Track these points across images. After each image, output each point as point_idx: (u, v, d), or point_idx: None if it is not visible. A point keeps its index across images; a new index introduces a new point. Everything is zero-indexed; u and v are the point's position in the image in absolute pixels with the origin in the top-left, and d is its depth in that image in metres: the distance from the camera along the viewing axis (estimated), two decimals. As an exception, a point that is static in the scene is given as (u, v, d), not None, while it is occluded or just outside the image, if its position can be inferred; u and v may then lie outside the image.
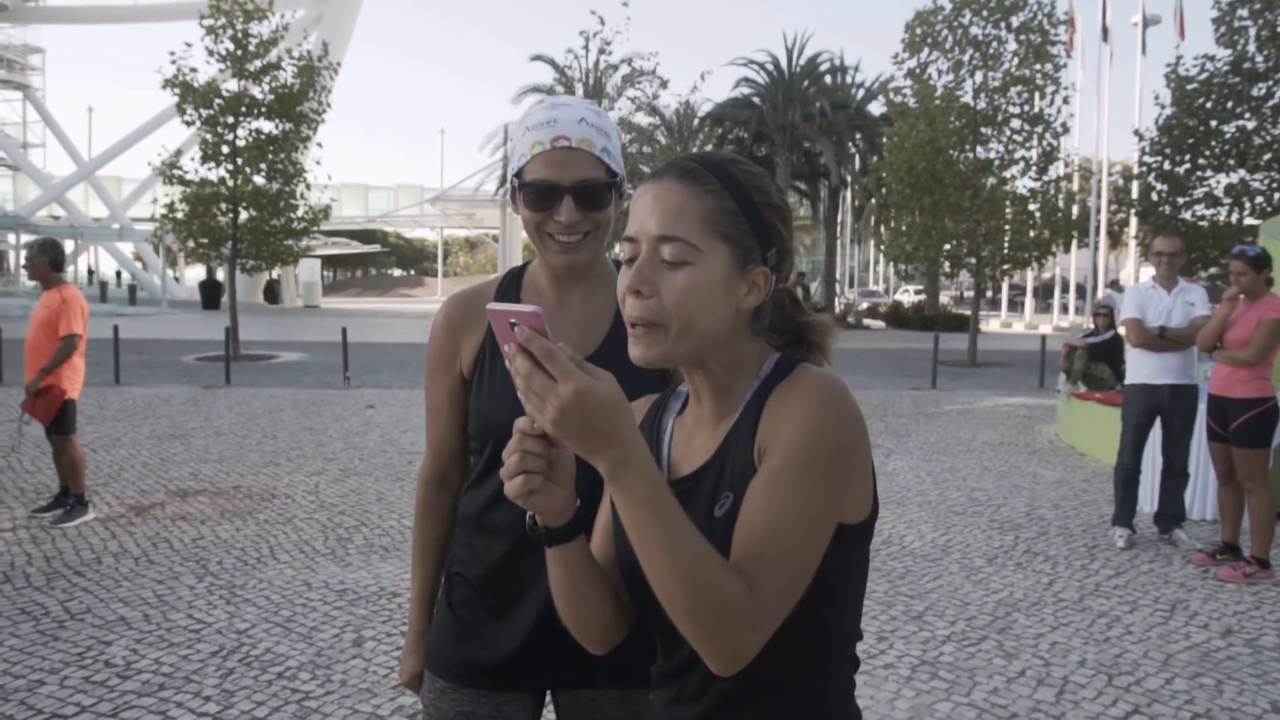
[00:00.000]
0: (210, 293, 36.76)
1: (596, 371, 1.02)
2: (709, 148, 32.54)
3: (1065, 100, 18.98)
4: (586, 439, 1.00)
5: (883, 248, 22.26)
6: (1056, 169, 19.58)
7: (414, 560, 1.87)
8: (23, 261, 6.30)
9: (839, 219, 39.20)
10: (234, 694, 3.78)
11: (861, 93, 34.50)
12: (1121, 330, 6.83)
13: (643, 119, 29.95)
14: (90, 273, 57.56)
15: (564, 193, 1.56)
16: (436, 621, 1.79)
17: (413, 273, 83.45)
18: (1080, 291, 38.01)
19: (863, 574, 1.23)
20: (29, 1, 50.09)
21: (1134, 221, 22.55)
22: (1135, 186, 20.02)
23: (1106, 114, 32.83)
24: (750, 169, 1.20)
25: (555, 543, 1.14)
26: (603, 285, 1.72)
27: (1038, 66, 18.52)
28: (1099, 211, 31.32)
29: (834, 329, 1.30)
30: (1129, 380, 6.08)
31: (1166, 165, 17.74)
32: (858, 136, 34.13)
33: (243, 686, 3.85)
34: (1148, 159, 18.11)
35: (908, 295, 44.24)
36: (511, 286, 1.75)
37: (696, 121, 34.52)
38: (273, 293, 42.86)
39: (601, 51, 28.04)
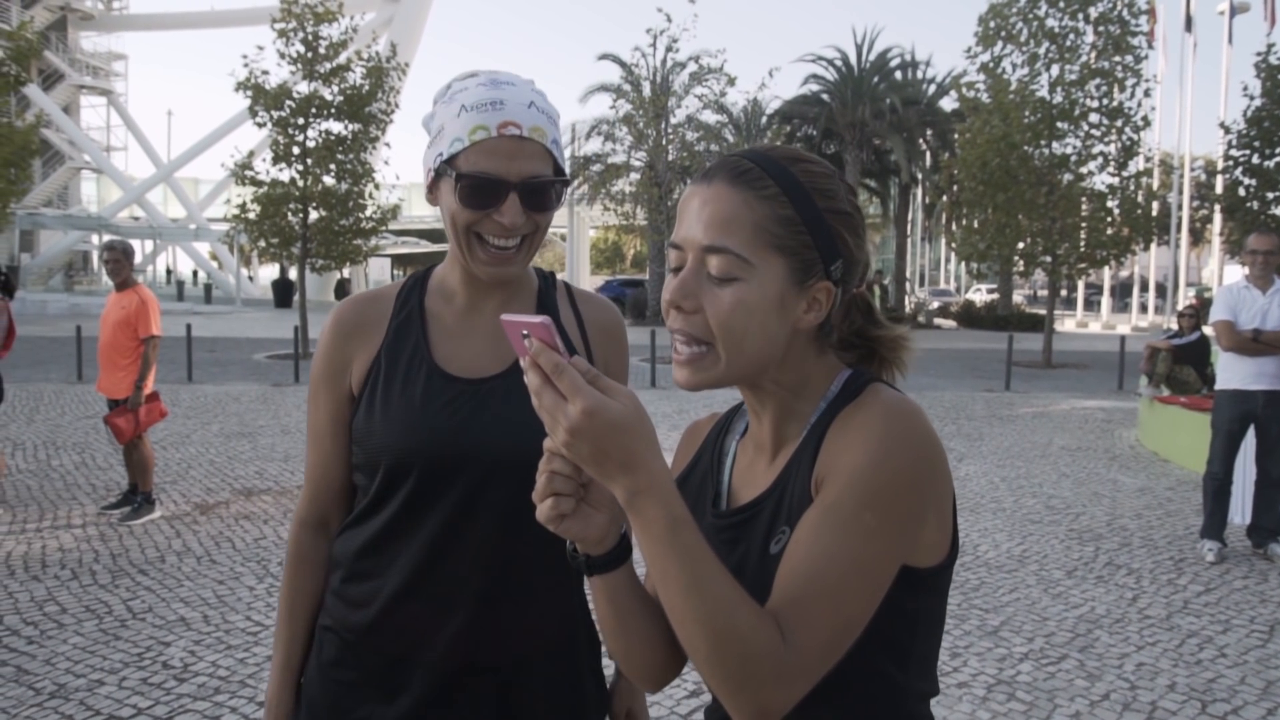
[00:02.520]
0: (283, 291, 37.51)
1: (613, 388, 0.90)
2: (777, 144, 32.24)
3: (1146, 93, 18.37)
4: (599, 463, 0.89)
5: (954, 246, 21.75)
6: (1136, 164, 18.93)
7: (279, 620, 1.54)
8: (104, 260, 6.40)
9: (909, 217, 38.64)
10: (288, 700, 3.73)
11: (933, 88, 34.00)
12: (1210, 332, 6.51)
13: (710, 117, 29.80)
14: (168, 272, 59.17)
15: (510, 189, 1.33)
16: (306, 689, 1.50)
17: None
18: (1160, 291, 36.85)
19: (937, 625, 1.09)
20: (113, 10, 51.77)
21: (1218, 218, 21.76)
22: (1220, 181, 19.29)
23: (1189, 107, 31.75)
24: (814, 169, 1.05)
25: (596, 572, 1.02)
26: (522, 290, 1.52)
27: (1117, 59, 17.94)
28: (1180, 208, 30.30)
29: (910, 342, 1.15)
30: (1220, 385, 5.77)
31: (1255, 159, 17.07)
32: (929, 133, 33.63)
33: (297, 692, 3.79)
34: (1234, 152, 17.45)
35: (980, 294, 43.36)
36: (415, 290, 1.51)
37: (764, 119, 34.27)
38: (343, 291, 43.55)
39: (669, 49, 27.98)
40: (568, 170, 1.43)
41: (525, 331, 0.91)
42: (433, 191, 1.42)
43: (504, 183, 1.33)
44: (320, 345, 1.50)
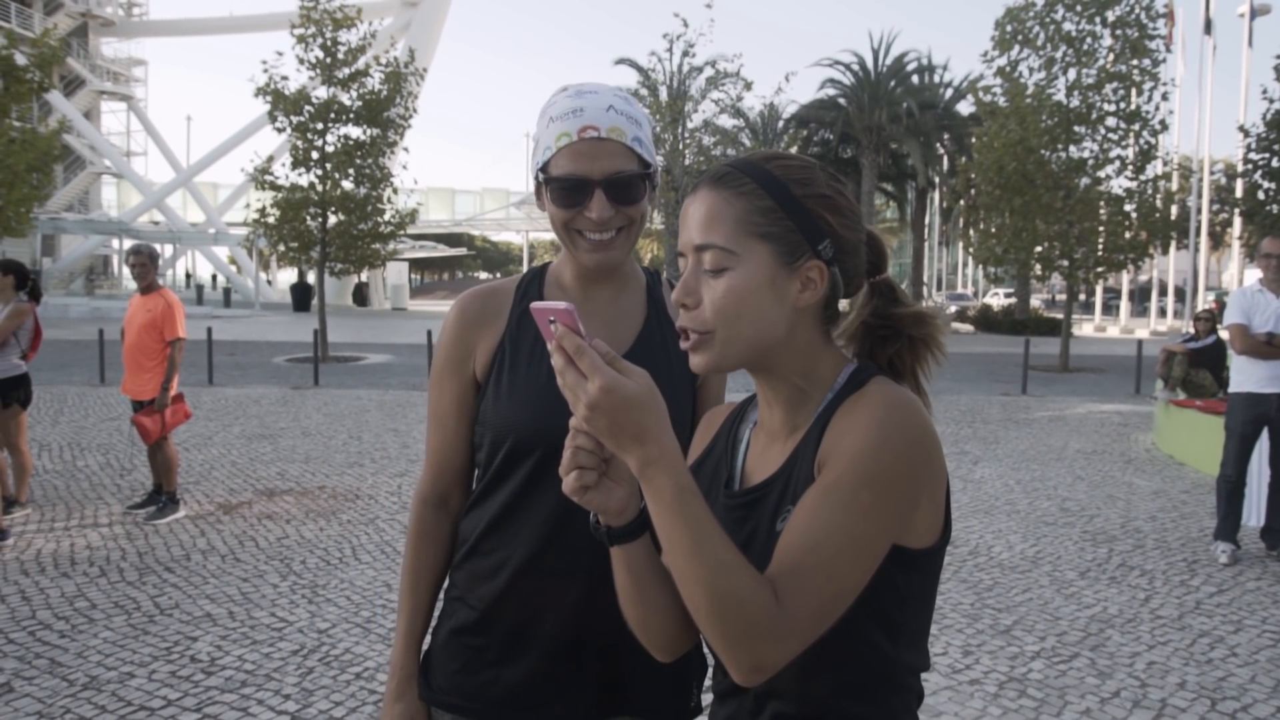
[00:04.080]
0: (301, 295, 37.75)
1: (629, 369, 1.00)
2: (793, 149, 32.33)
3: (1164, 97, 18.30)
4: (615, 436, 0.98)
5: (971, 250, 21.71)
6: (1154, 168, 18.87)
7: (403, 592, 1.65)
8: (129, 264, 6.53)
9: (926, 221, 38.58)
10: (313, 693, 3.82)
11: (950, 92, 33.93)
12: (1225, 335, 6.53)
13: (727, 121, 29.81)
14: (188, 276, 59.64)
15: (594, 187, 1.44)
16: (436, 652, 1.64)
17: (498, 275, 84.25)
18: (1179, 294, 36.65)
19: (927, 604, 1.17)
20: (133, 16, 52.23)
21: (1238, 221, 21.66)
22: (1240, 185, 19.19)
23: (1208, 110, 31.64)
24: (790, 163, 1.15)
25: (616, 542, 1.10)
26: (631, 284, 1.63)
27: (1135, 62, 17.88)
28: (1200, 212, 30.15)
29: (937, 318, 1.22)
30: (1234, 389, 5.79)
31: (1274, 162, 16.96)
32: (945, 137, 33.57)
33: (321, 686, 3.89)
34: (1254, 156, 17.33)
35: (997, 298, 43.26)
36: (534, 284, 1.64)
37: (781, 123, 34.31)
38: (361, 295, 43.84)
39: (685, 54, 28.02)
40: (656, 163, 1.53)
41: (552, 318, 0.99)
42: (539, 198, 1.54)
43: (588, 181, 1.44)
44: (444, 335, 1.62)
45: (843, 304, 1.19)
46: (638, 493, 1.08)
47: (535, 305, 1.01)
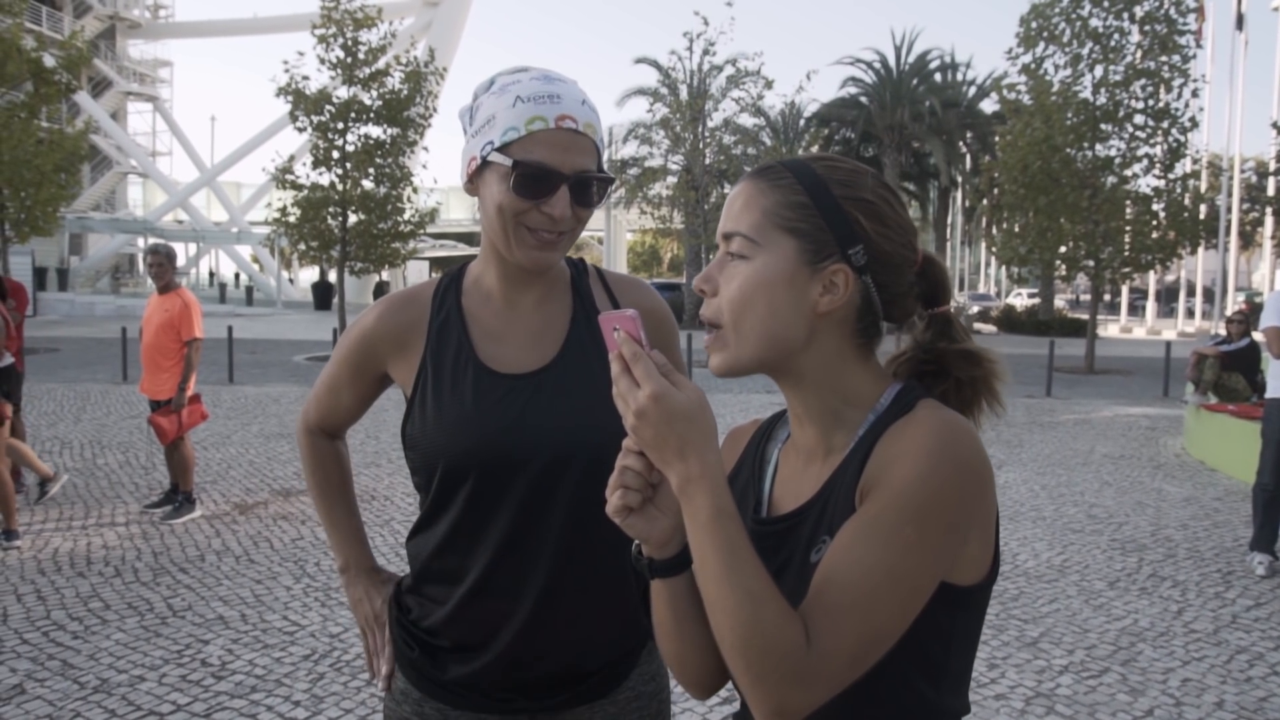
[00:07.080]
0: (322, 294, 37.87)
1: (682, 381, 0.95)
2: (814, 149, 32.19)
3: (1194, 93, 18.02)
4: (658, 448, 0.94)
5: (995, 250, 21.49)
6: (1183, 166, 18.58)
7: (319, 505, 1.65)
8: (147, 264, 6.48)
9: (949, 220, 38.33)
10: (323, 699, 3.75)
11: (973, 90, 33.73)
12: (1260, 338, 6.37)
13: (747, 120, 29.69)
14: (211, 274, 60.02)
15: (562, 182, 1.34)
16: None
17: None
18: (1207, 295, 36.19)
19: (972, 643, 1.07)
20: (159, 18, 52.68)
21: (1269, 220, 21.32)
22: (1271, 183, 18.90)
23: (1239, 106, 31.18)
24: (837, 164, 1.08)
25: (658, 575, 1.04)
26: (558, 288, 1.53)
27: (1163, 58, 17.63)
28: (1230, 211, 29.73)
29: (993, 362, 1.09)
30: (1271, 394, 5.63)
31: (1307, 161, 16.71)
32: (968, 135, 33.35)
33: (332, 692, 3.82)
34: (1286, 154, 17.08)
35: (1020, 299, 42.89)
36: (452, 288, 1.53)
37: (802, 122, 34.16)
38: (382, 294, 43.84)
39: (706, 53, 27.92)
40: (607, 170, 1.45)
41: (616, 326, 0.97)
42: (474, 181, 1.43)
43: (558, 174, 1.34)
44: (358, 329, 1.56)
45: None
46: (684, 526, 1.00)
47: (604, 315, 0.99)
